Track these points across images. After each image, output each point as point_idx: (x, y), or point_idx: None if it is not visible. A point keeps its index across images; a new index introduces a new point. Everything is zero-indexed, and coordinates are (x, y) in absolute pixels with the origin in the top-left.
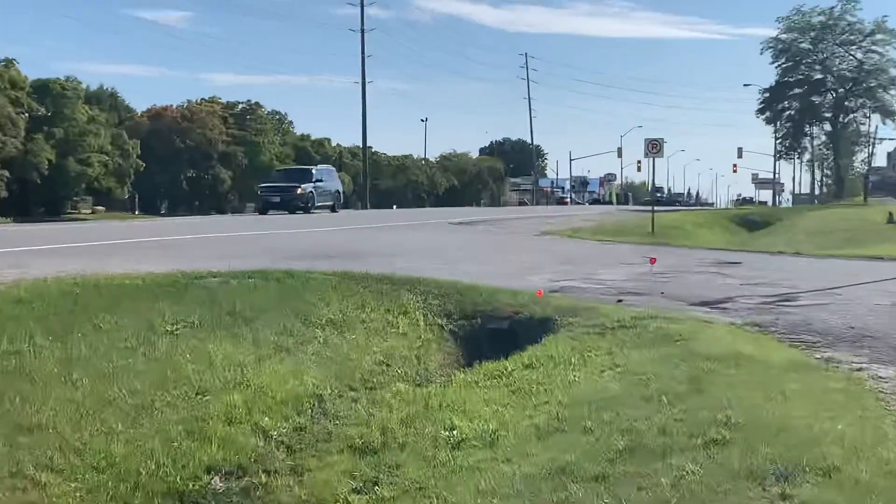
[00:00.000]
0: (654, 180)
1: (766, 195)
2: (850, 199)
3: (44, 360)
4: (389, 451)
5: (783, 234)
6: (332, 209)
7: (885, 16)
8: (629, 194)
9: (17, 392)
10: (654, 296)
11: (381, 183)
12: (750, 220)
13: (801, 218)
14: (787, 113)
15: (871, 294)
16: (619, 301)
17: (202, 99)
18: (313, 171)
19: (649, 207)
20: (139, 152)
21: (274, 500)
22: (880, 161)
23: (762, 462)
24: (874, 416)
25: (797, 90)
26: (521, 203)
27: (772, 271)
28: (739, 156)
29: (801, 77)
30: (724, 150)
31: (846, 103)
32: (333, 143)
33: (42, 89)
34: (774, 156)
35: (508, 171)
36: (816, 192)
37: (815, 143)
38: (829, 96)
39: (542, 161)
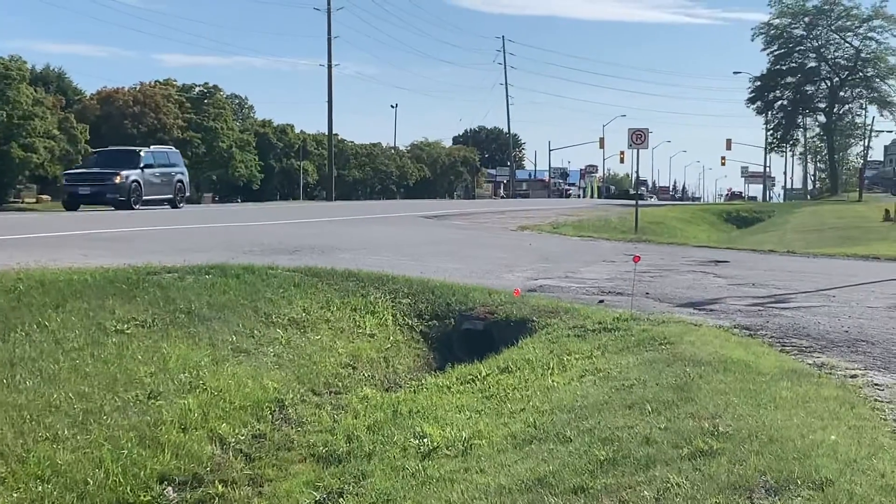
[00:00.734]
0: (638, 173)
1: (756, 190)
2: (844, 194)
3: None
4: (355, 460)
5: (774, 231)
6: (172, 204)
7: (884, 1)
8: (611, 187)
9: None
10: (639, 296)
11: (347, 173)
12: (739, 216)
13: (793, 214)
14: (779, 103)
15: (867, 296)
16: (601, 301)
17: (156, 81)
18: (141, 154)
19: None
20: (88, 137)
21: None
22: (877, 155)
23: (752, 474)
24: (870, 425)
25: (790, 79)
26: (498, 196)
27: (762, 271)
28: (728, 147)
29: (794, 65)
30: (713, 141)
31: (841, 93)
32: (297, 130)
33: None
34: (765, 148)
35: (483, 162)
36: (809, 186)
37: (809, 134)
38: (824, 85)
39: (520, 151)
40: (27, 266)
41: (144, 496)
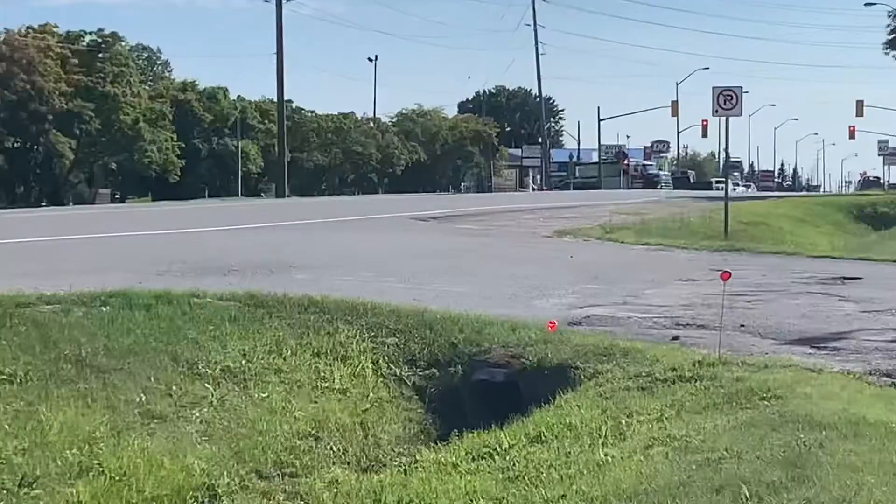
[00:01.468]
0: (727, 151)
1: None
2: None
3: None
4: None
5: None
6: None
7: None
8: (688, 172)
9: None
10: (730, 330)
11: (307, 157)
12: (877, 212)
13: None
14: None
15: None
16: (676, 339)
17: (28, 28)
18: None
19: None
20: None
21: None
22: None
23: None
24: None
25: None
26: (530, 188)
27: None
28: (860, 113)
29: None
30: (837, 105)
31: None
32: (233, 96)
33: None
34: None
35: (504, 138)
36: None
37: None
38: None
39: (557, 123)
40: None
41: None
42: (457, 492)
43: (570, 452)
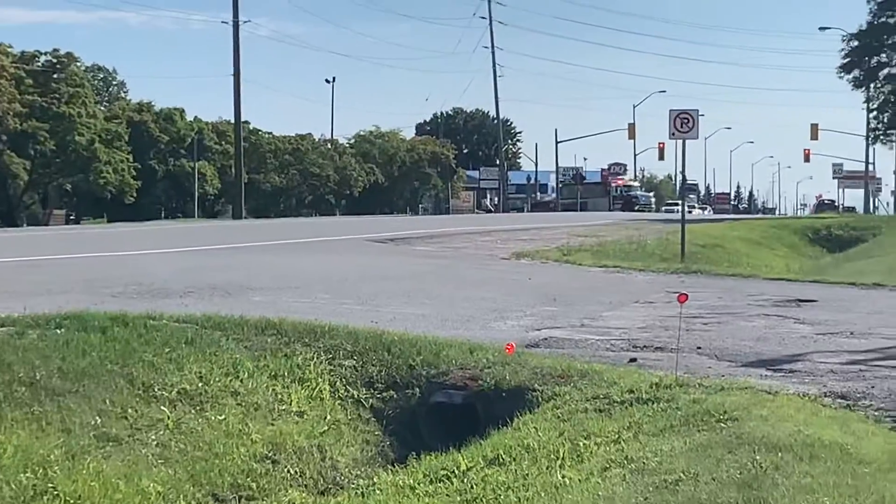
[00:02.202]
0: (684, 174)
1: (855, 197)
2: None
3: None
4: None
5: (881, 256)
6: None
7: None
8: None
9: None
10: (687, 352)
11: (264, 178)
12: (831, 234)
13: None
14: (886, 71)
15: None
16: (633, 360)
17: None
18: None
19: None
20: None
21: None
22: None
23: None
24: None
25: None
26: (484, 209)
27: (864, 314)
28: (814, 136)
29: None
30: (791, 128)
31: None
32: (189, 117)
33: None
34: (867, 137)
35: (462, 160)
36: None
37: None
38: None
39: (514, 144)
40: None
41: None
42: None
43: (527, 474)
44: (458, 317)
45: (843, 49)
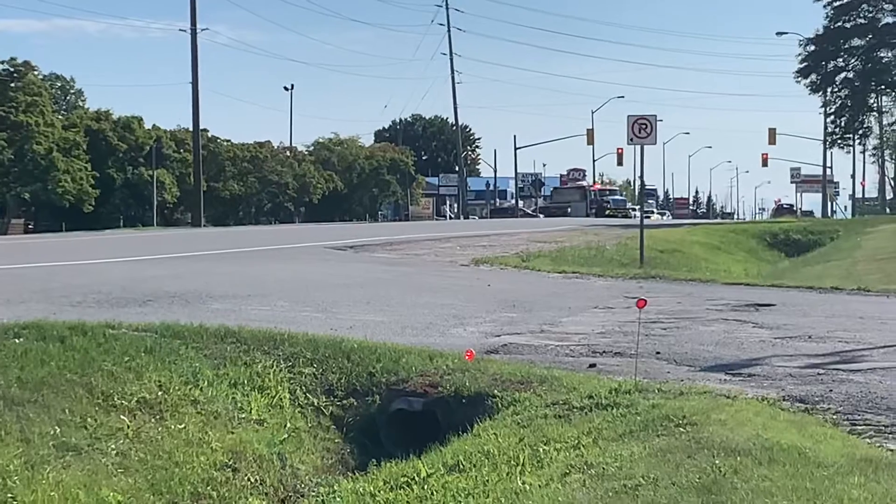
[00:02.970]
0: (642, 179)
1: (813, 201)
2: None
3: None
4: None
5: (839, 259)
6: None
7: None
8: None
9: None
10: (646, 357)
11: (222, 186)
12: (789, 239)
13: (865, 235)
14: (843, 76)
15: None
16: (593, 366)
17: None
18: None
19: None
20: None
21: None
22: None
23: None
24: None
25: (857, 41)
26: (446, 216)
27: (822, 318)
28: (772, 141)
29: (862, 20)
30: (750, 133)
31: None
32: (147, 126)
33: None
34: (824, 141)
35: (421, 167)
36: (889, 195)
37: (885, 120)
38: None
39: (474, 151)
40: None
41: None
42: None
43: (488, 481)
44: (418, 324)
45: (800, 54)
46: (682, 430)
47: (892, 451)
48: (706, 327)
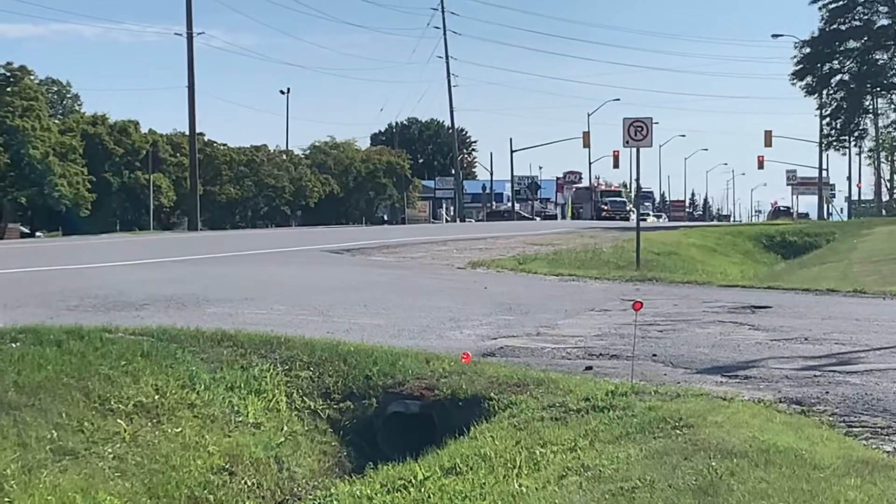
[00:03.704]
0: (638, 181)
1: (809, 203)
2: None
3: None
4: None
5: (835, 262)
6: None
7: None
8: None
9: None
10: (643, 359)
11: (219, 190)
12: (785, 241)
13: (861, 238)
14: (838, 78)
15: None
16: (589, 369)
17: None
18: None
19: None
20: None
21: None
22: None
23: None
24: None
25: (852, 43)
26: (441, 219)
27: (818, 320)
28: (768, 143)
29: (857, 23)
30: (746, 135)
31: None
32: (144, 130)
33: None
34: (820, 143)
35: (417, 170)
36: (885, 197)
37: (882, 123)
38: None
39: (470, 154)
40: None
41: None
42: None
43: (484, 483)
44: (415, 327)
45: (795, 56)
46: (678, 432)
47: (888, 452)
48: (702, 329)
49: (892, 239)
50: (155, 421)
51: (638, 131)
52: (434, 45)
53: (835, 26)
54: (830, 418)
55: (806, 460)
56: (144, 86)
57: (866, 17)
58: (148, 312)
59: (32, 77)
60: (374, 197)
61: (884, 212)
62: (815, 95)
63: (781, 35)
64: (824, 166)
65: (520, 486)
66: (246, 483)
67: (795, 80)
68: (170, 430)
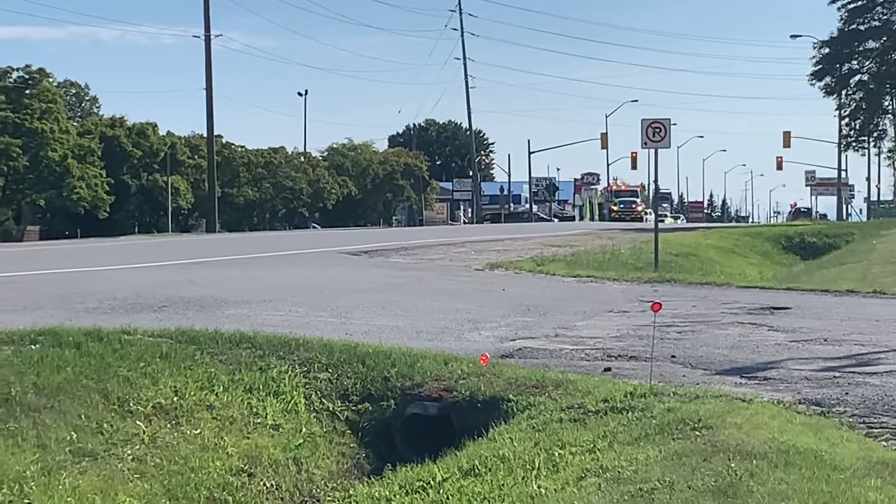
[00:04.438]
0: (657, 182)
1: (828, 204)
2: None
3: None
4: None
5: (854, 262)
6: None
7: None
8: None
9: None
10: (661, 361)
11: (237, 192)
12: (805, 242)
13: (881, 238)
14: (857, 78)
15: None
16: (608, 370)
17: None
18: None
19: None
20: None
21: None
22: None
23: None
24: None
25: (871, 43)
26: (458, 221)
27: (837, 321)
28: (786, 144)
29: (876, 23)
30: (764, 136)
31: None
32: (162, 132)
33: None
34: (839, 144)
35: (435, 172)
36: None
37: None
38: None
39: (487, 156)
40: None
41: None
42: None
43: (503, 485)
44: (433, 328)
45: (814, 56)
46: (697, 433)
47: None
48: (721, 331)
49: None
50: (174, 422)
51: (656, 132)
52: (451, 46)
53: (854, 26)
54: (850, 419)
55: (826, 461)
56: (162, 88)
57: (886, 17)
58: (166, 314)
59: (51, 79)
60: (392, 199)
61: None
62: (834, 96)
63: (800, 35)
64: (843, 167)
65: (538, 487)
66: (265, 484)
67: (814, 81)
68: (188, 432)
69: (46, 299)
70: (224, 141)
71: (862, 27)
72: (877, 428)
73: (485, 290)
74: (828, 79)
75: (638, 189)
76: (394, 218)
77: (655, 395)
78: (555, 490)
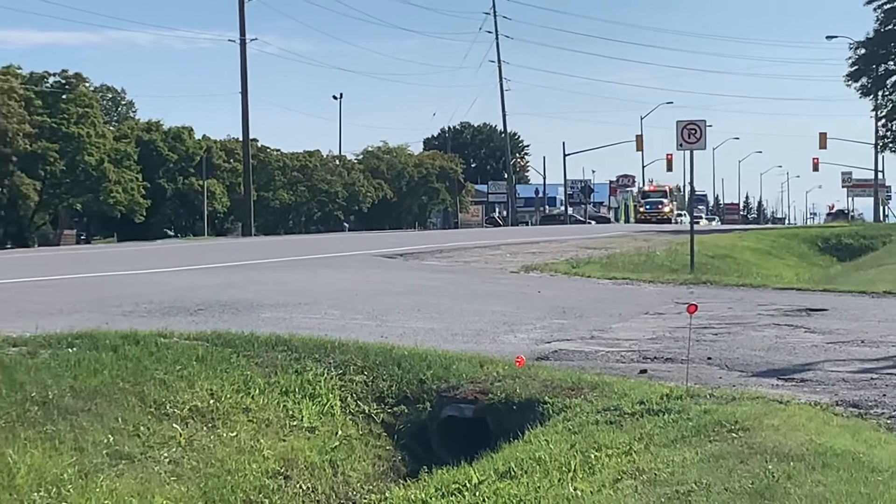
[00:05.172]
0: (692, 184)
1: (864, 205)
2: None
3: None
4: None
5: (892, 264)
6: None
7: None
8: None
9: None
10: (697, 363)
11: (272, 195)
12: (841, 243)
13: None
14: (894, 79)
15: None
16: (644, 372)
17: None
18: None
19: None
20: None
21: None
22: None
23: None
24: None
25: None
26: (493, 223)
27: (874, 322)
28: (823, 146)
29: None
30: (800, 137)
31: None
32: (198, 136)
33: None
34: (875, 145)
35: (470, 174)
36: None
37: None
38: None
39: (522, 158)
40: None
41: None
42: None
43: (539, 487)
44: (468, 331)
45: (850, 57)
46: (734, 435)
47: None
48: (758, 332)
49: None
50: (210, 425)
51: (692, 134)
52: (486, 49)
53: (890, 27)
54: (888, 421)
55: (863, 463)
56: (198, 92)
57: None
58: (202, 317)
59: (87, 84)
60: (427, 202)
61: None
62: (871, 97)
63: (836, 36)
64: (880, 168)
65: (575, 489)
66: (301, 487)
67: (850, 82)
68: (225, 435)
69: (83, 303)
70: (259, 144)
71: None
72: None
73: (520, 292)
74: (864, 79)
75: (667, 190)
76: (429, 221)
77: (692, 396)
78: (591, 492)
